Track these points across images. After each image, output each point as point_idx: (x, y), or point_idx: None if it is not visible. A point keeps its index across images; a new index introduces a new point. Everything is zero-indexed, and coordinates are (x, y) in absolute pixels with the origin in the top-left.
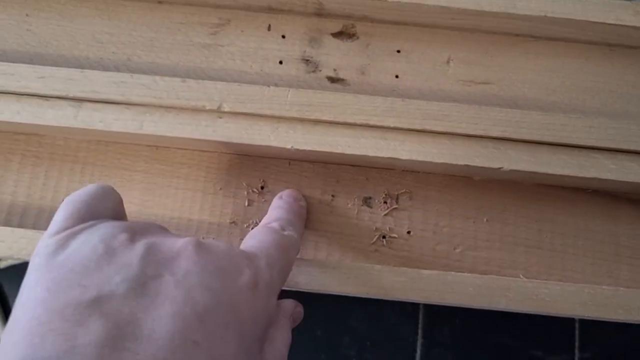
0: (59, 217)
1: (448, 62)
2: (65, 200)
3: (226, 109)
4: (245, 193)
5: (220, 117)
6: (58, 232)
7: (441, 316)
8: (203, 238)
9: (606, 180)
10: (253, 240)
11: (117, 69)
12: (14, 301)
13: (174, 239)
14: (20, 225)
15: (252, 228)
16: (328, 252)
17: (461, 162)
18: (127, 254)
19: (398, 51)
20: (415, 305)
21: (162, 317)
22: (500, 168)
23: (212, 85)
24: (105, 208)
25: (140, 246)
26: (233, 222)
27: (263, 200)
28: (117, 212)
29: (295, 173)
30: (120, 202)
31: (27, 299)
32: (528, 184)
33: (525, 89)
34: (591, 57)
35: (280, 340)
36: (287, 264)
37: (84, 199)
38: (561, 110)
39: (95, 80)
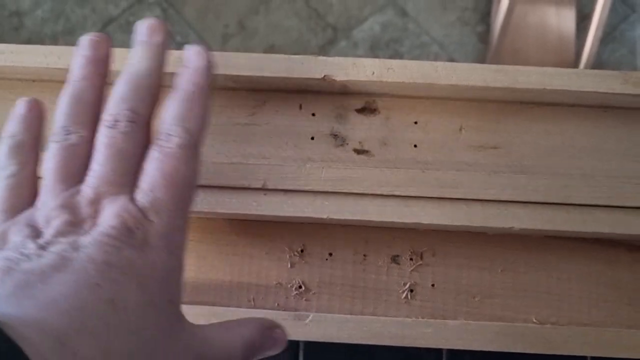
0: None
1: (460, 130)
2: None
3: (269, 187)
4: (288, 256)
5: (265, 195)
6: None
7: None
8: (249, 301)
9: (605, 232)
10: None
11: None
12: None
13: None
14: None
15: (295, 288)
16: (363, 306)
17: (476, 224)
18: None
19: (415, 122)
20: None
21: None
22: (511, 227)
23: (256, 166)
24: None
25: None
26: (278, 283)
27: (303, 262)
28: None
29: (330, 236)
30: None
31: None
32: (536, 237)
33: (530, 151)
34: (588, 119)
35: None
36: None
37: None
38: (562, 168)
39: None
